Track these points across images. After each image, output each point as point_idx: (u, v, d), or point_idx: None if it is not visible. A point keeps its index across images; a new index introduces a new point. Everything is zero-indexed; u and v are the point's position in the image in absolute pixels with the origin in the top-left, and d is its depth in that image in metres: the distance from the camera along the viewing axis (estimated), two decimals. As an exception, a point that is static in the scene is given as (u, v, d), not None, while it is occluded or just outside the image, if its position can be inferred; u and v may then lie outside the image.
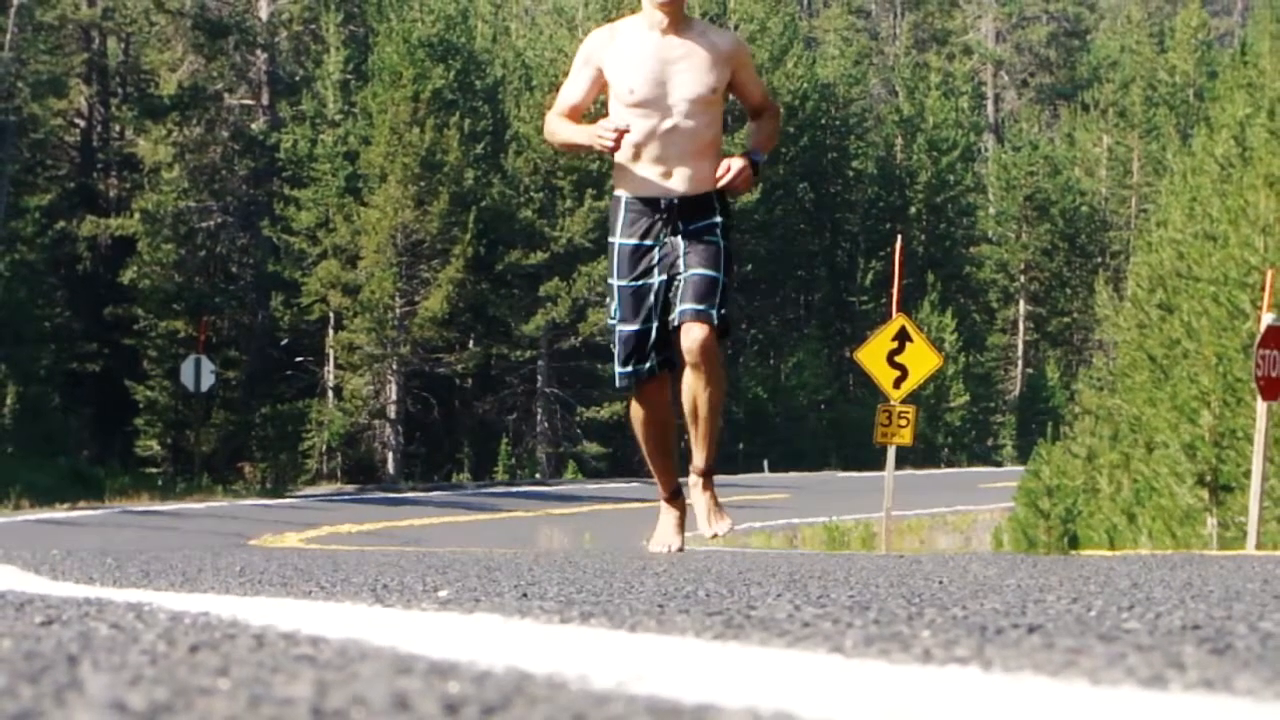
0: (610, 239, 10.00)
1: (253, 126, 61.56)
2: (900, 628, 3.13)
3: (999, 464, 69.34)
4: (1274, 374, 18.90)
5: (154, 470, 56.56)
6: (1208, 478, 25.64)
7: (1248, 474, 21.20)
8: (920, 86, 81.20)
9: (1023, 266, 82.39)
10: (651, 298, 9.82)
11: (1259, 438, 19.06)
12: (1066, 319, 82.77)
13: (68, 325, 59.17)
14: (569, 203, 62.74)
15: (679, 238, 9.77)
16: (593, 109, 10.36)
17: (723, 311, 9.81)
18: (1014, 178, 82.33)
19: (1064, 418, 54.25)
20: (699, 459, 10.18)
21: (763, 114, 10.20)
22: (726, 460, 58.55)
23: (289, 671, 2.28)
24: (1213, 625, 3.25)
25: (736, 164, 9.75)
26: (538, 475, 61.48)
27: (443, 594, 4.42)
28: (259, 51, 61.81)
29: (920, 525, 37.08)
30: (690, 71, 9.81)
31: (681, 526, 10.31)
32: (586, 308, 62.06)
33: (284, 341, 60.71)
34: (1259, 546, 19.02)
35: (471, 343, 61.90)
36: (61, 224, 59.28)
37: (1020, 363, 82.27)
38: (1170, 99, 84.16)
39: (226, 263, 61.26)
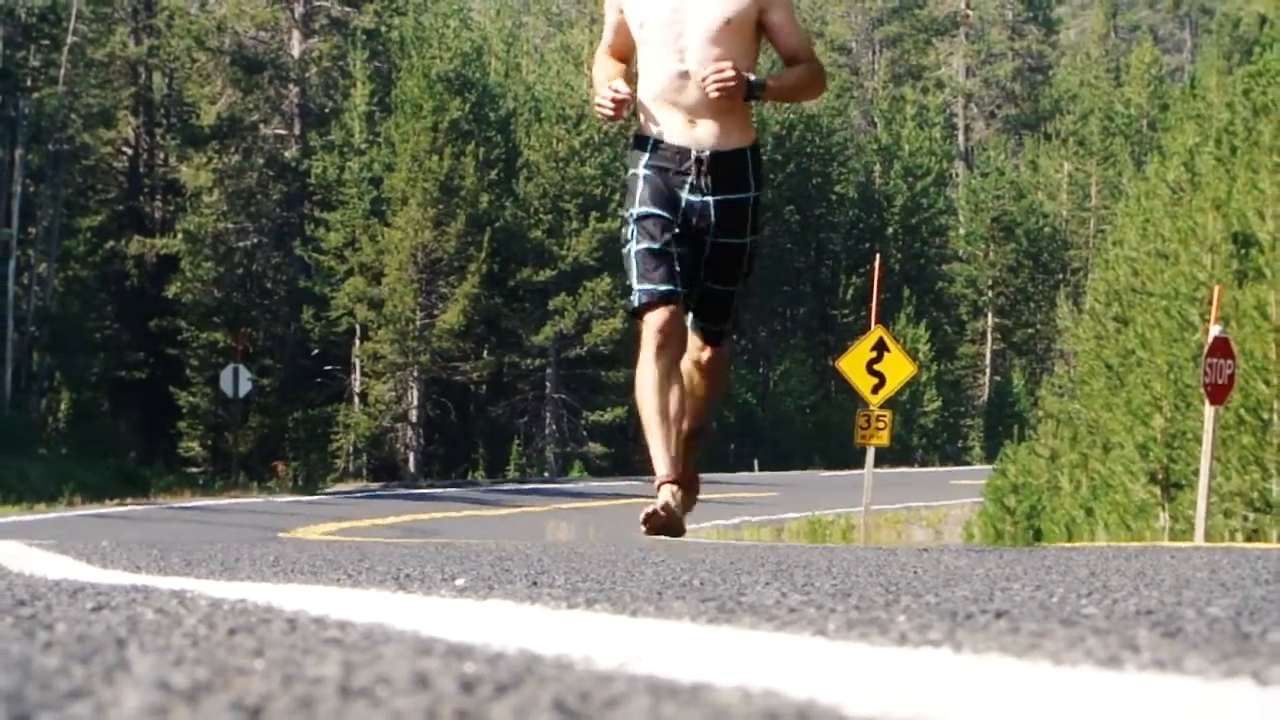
0: (630, 171, 8.24)
1: (285, 154, 61.56)
2: (878, 613, 3.13)
3: (968, 463, 69.27)
4: (1220, 381, 18.90)
5: (195, 469, 56.56)
6: (1160, 476, 25.61)
7: (1196, 472, 21.18)
8: (897, 118, 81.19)
9: (990, 282, 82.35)
10: (672, 225, 8.11)
11: (1206, 439, 19.06)
12: (1030, 330, 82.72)
13: (116, 336, 59.16)
14: (575, 224, 62.70)
15: (709, 207, 8.11)
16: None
17: (729, 326, 8.37)
18: (982, 201, 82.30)
19: (1028, 421, 54.20)
20: (690, 413, 8.39)
21: (797, 62, 8.32)
22: (719, 460, 58.50)
23: (318, 653, 2.28)
24: (1164, 610, 3.25)
25: (727, 66, 7.98)
26: (546, 474, 61.44)
27: (459, 582, 4.42)
28: (291, 85, 61.81)
29: (897, 519, 37.04)
30: (707, 2, 8.06)
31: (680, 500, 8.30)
32: (591, 320, 62.03)
33: (314, 351, 60.68)
34: (1206, 539, 19.01)
35: (486, 352, 61.85)
36: (111, 243, 59.30)
37: (988, 370, 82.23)
38: (1125, 129, 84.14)
39: (262, 279, 61.25)
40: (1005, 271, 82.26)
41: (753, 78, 8.02)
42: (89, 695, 1.82)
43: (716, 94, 7.95)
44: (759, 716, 1.70)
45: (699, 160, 8.08)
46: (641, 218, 8.12)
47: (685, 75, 8.06)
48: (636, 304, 8.09)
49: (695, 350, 8.37)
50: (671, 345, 8.09)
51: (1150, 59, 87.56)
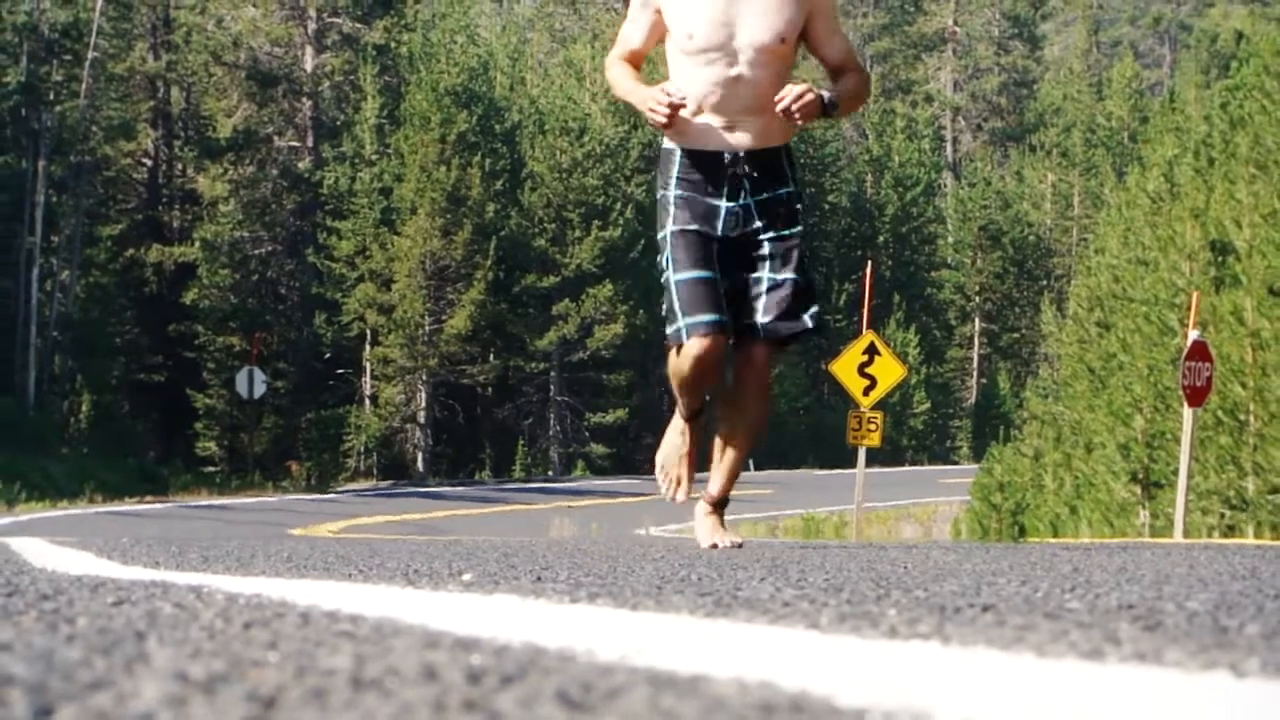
0: (661, 192, 7.68)
1: (299, 165, 61.56)
2: (869, 607, 3.13)
3: (956, 463, 69.28)
4: (1199, 383, 18.90)
5: (212, 469, 56.56)
6: (1140, 475, 25.62)
7: (1175, 471, 21.19)
8: (887, 130, 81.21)
9: (977, 289, 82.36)
10: (711, 245, 7.54)
11: (1185, 439, 19.06)
12: (1016, 335, 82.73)
13: (136, 340, 59.18)
14: (578, 232, 62.70)
15: (751, 209, 7.58)
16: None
17: (817, 308, 7.71)
18: (970, 211, 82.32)
19: (1013, 422, 54.20)
20: (716, 486, 8.03)
21: (843, 73, 7.79)
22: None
23: (331, 645, 2.28)
24: (1145, 605, 3.25)
25: (799, 88, 7.46)
26: (550, 473, 61.44)
27: (466, 577, 4.42)
28: (305, 99, 61.82)
29: (887, 517, 37.03)
30: (759, 15, 7.54)
31: (691, 460, 8.28)
32: (594, 325, 62.04)
33: (327, 355, 60.68)
34: (1185, 536, 19.01)
35: (492, 356, 61.86)
36: (131, 251, 59.32)
37: (975, 373, 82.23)
38: (1107, 141, 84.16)
39: (276, 285, 61.26)
40: (992, 278, 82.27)
41: (827, 96, 7.56)
42: (110, 686, 1.82)
43: (799, 120, 7.44)
44: (755, 706, 1.70)
45: (734, 161, 7.56)
46: (678, 234, 7.56)
47: (735, 81, 7.53)
48: (685, 339, 7.49)
49: (752, 361, 7.70)
50: (710, 377, 7.63)
51: (1131, 74, 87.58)
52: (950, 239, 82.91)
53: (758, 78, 7.52)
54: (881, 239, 77.40)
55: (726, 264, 7.57)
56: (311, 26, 61.51)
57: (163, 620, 2.72)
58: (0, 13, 53.60)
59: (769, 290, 7.58)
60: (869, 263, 27.99)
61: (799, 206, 7.70)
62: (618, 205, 63.27)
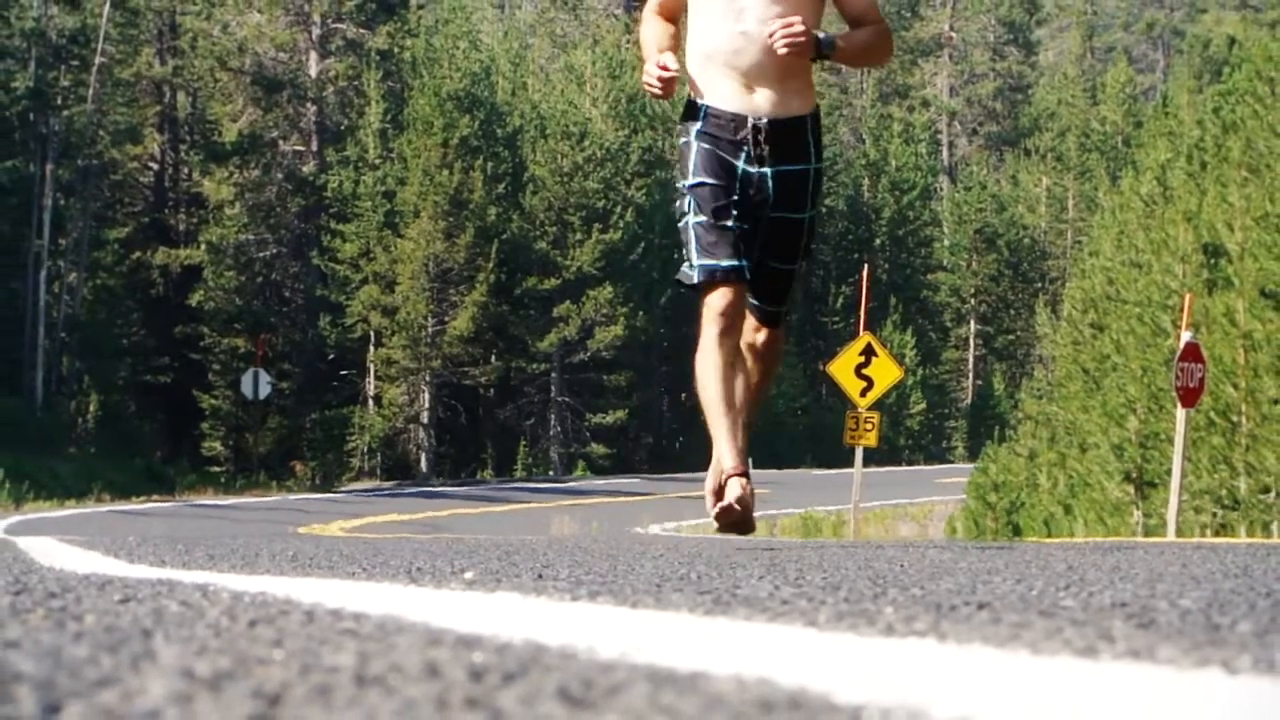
0: (684, 139, 7.33)
1: (303, 169, 61.57)
2: (867, 605, 3.13)
3: (952, 462, 69.27)
4: (1192, 384, 18.90)
5: (217, 469, 56.56)
6: (1134, 475, 25.62)
7: (1169, 472, 21.19)
8: (884, 134, 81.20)
9: (973, 291, 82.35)
10: (730, 194, 7.22)
11: (1178, 440, 19.06)
12: (1011, 336, 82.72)
13: (143, 342, 59.18)
14: (579, 236, 62.70)
15: (767, 179, 7.22)
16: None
17: (786, 309, 7.52)
18: (965, 214, 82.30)
19: (1008, 422, 54.20)
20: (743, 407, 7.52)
21: (862, 24, 7.40)
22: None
23: (335, 643, 2.28)
24: (1138, 603, 3.25)
25: (794, 22, 7.08)
26: (551, 472, 61.44)
27: (468, 575, 4.42)
28: (309, 104, 61.82)
29: (884, 515, 37.02)
30: None
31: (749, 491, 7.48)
32: (594, 327, 62.05)
33: (331, 356, 60.68)
34: (1178, 535, 19.01)
35: (494, 357, 61.86)
36: (137, 254, 59.32)
37: (971, 374, 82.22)
38: (1101, 145, 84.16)
39: (281, 288, 61.25)
40: (987, 280, 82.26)
41: (822, 35, 7.15)
42: (117, 683, 1.82)
43: (785, 50, 7.06)
44: (753, 703, 1.70)
45: (755, 129, 7.20)
46: (696, 186, 7.22)
47: (744, 35, 7.15)
48: (697, 279, 7.15)
49: (750, 333, 7.48)
50: (734, 329, 7.24)
51: (1125, 79, 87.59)
52: (946, 242, 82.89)
53: (768, 34, 7.12)
54: (878, 242, 77.39)
55: (742, 212, 7.26)
56: (316, 32, 61.51)
57: (169, 618, 2.72)
58: (9, 18, 53.62)
59: (765, 275, 7.34)
60: (866, 265, 28.00)
61: (817, 185, 7.37)
62: (618, 209, 63.28)
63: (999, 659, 2.13)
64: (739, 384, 7.33)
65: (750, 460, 7.66)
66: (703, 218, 7.19)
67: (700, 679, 1.86)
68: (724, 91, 7.22)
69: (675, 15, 7.45)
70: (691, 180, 7.25)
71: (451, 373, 59.88)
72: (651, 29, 7.42)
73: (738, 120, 7.22)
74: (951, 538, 26.64)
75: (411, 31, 62.58)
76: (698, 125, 7.26)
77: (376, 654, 2.12)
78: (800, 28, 7.07)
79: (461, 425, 61.84)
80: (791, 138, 7.25)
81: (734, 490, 7.27)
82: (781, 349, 7.71)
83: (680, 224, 7.33)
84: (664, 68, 7.13)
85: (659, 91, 7.12)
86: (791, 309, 7.43)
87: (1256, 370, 23.22)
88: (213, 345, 58.53)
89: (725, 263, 7.15)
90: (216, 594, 3.38)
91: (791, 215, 7.31)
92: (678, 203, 7.36)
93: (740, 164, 7.23)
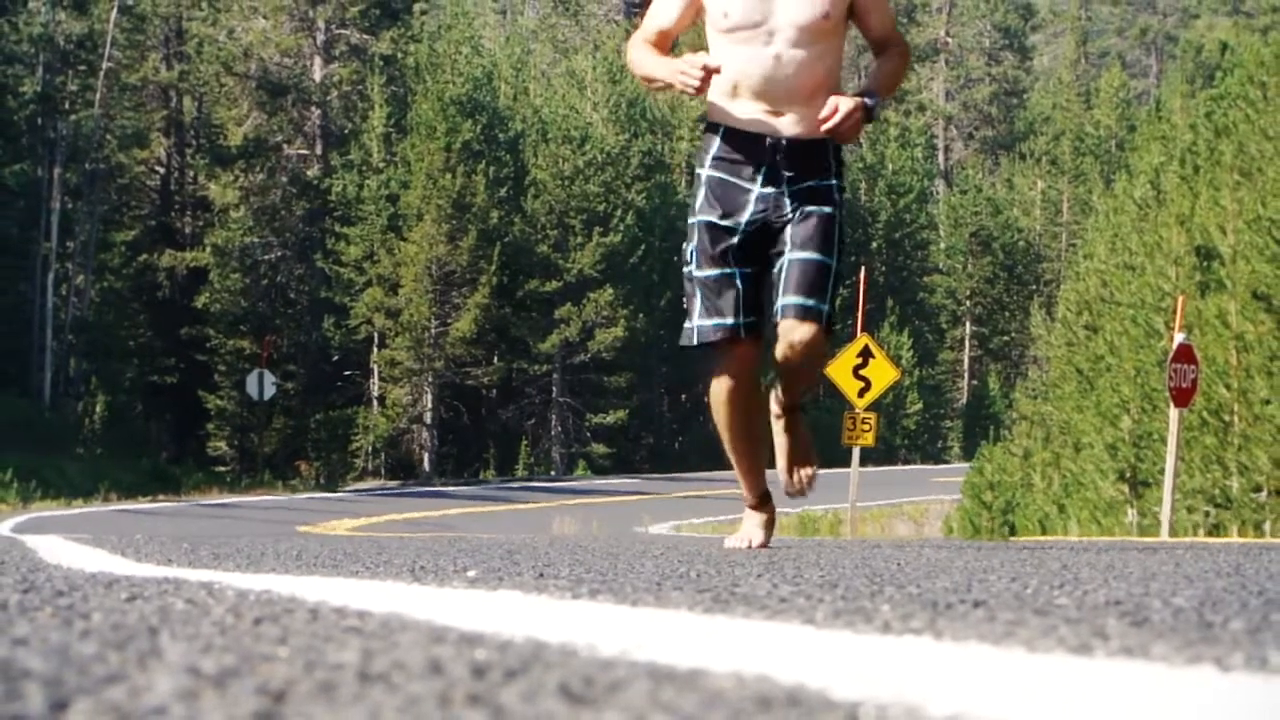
0: (698, 170, 7.17)
1: (308, 173, 61.57)
2: (864, 603, 3.13)
3: (948, 462, 69.27)
4: (1184, 385, 18.90)
5: (223, 468, 56.57)
6: (1127, 474, 25.62)
7: (1162, 471, 21.19)
8: (881, 139, 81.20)
9: (969, 293, 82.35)
10: (735, 235, 7.05)
11: (1171, 440, 19.06)
12: (1006, 338, 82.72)
13: (149, 343, 59.19)
14: (580, 238, 62.71)
15: (784, 196, 7.03)
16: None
17: (830, 308, 7.05)
18: (961, 217, 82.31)
19: (1003, 422, 54.22)
20: (786, 394, 7.35)
21: (886, 50, 7.33)
22: (715, 457, 58.45)
23: (339, 641, 2.28)
24: (1132, 601, 3.25)
25: (845, 104, 6.92)
26: (553, 472, 61.44)
27: (471, 574, 4.42)
28: (313, 108, 61.82)
29: (881, 515, 37.01)
30: None
31: (770, 527, 7.59)
32: (595, 328, 62.05)
33: (335, 357, 60.69)
34: (1171, 534, 19.01)
35: (496, 358, 61.86)
36: (144, 256, 59.33)
37: (966, 375, 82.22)
38: (1095, 149, 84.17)
39: (285, 290, 61.25)
40: (982, 283, 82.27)
41: (869, 102, 7.01)
42: (124, 680, 1.82)
43: (848, 140, 7.01)
44: (752, 700, 1.70)
45: (775, 148, 7.01)
46: (704, 226, 7.06)
47: (774, 61, 6.99)
48: (696, 341, 7.05)
49: (789, 333, 7.05)
50: (742, 385, 7.14)
51: (1118, 83, 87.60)
52: (942, 245, 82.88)
53: (800, 58, 7.01)
54: (875, 245, 77.38)
55: (755, 251, 7.07)
56: (320, 37, 61.51)
57: (175, 616, 2.72)
58: (17, 24, 53.62)
59: (791, 267, 7.01)
60: (863, 268, 28.00)
61: (840, 197, 7.17)
62: (618, 212, 63.27)
63: (994, 656, 2.13)
64: (759, 420, 7.29)
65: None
66: (705, 272, 7.05)
67: (700, 676, 1.86)
68: (747, 113, 7.06)
69: (666, 47, 7.28)
70: (697, 216, 7.11)
71: (454, 374, 59.88)
72: (645, 50, 7.22)
73: (756, 141, 7.04)
74: (947, 537, 26.65)
75: (415, 37, 62.59)
76: (713, 151, 7.11)
77: (380, 651, 2.12)
78: (849, 108, 6.94)
79: (464, 425, 61.84)
80: (812, 157, 7.08)
81: (748, 529, 7.50)
82: (821, 353, 7.20)
83: (684, 269, 7.20)
84: (704, 65, 6.88)
85: (697, 84, 6.87)
86: (835, 314, 7.01)
87: (1248, 371, 23.22)
88: (218, 346, 58.53)
89: (729, 320, 7.04)
90: (222, 592, 3.38)
91: (817, 209, 7.07)
92: (685, 244, 7.19)
93: (755, 188, 7.04)
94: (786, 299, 7.00)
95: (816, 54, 7.05)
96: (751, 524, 7.52)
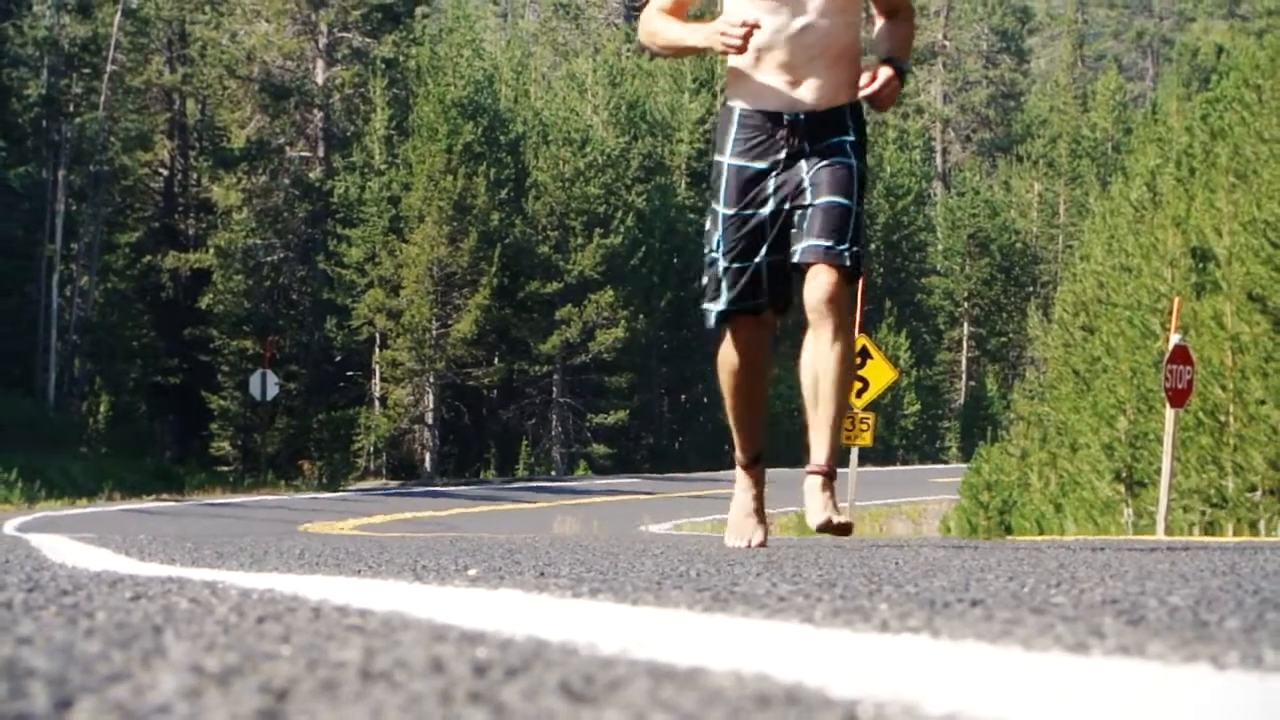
0: (717, 157, 7.10)
1: (310, 175, 61.58)
2: (862, 602, 3.13)
3: (946, 462, 69.25)
4: (1180, 386, 18.90)
5: (226, 468, 56.57)
6: (1124, 474, 25.61)
7: (1158, 471, 21.19)
8: (879, 141, 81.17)
9: (966, 294, 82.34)
10: (761, 229, 7.02)
11: (1167, 439, 19.06)
12: (1003, 339, 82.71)
13: (153, 344, 59.19)
14: (580, 240, 62.72)
15: (802, 161, 6.96)
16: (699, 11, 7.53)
17: (856, 249, 6.96)
18: (959, 219, 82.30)
19: (1001, 423, 54.21)
20: (820, 453, 7.17)
21: (897, 14, 7.26)
22: (713, 457, 58.43)
23: (341, 639, 2.28)
24: (1128, 600, 3.25)
25: (884, 73, 6.93)
26: (553, 472, 61.43)
27: (472, 573, 4.41)
28: (316, 111, 61.82)
29: (879, 514, 37.00)
30: None
31: (761, 510, 7.50)
32: (595, 329, 62.05)
33: (337, 358, 60.69)
34: (1167, 533, 19.01)
35: (497, 359, 61.87)
36: (148, 258, 59.33)
37: (964, 376, 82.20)
38: (1092, 152, 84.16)
39: (288, 291, 61.26)
40: (980, 284, 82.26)
41: (901, 65, 7.05)
42: (128, 678, 1.82)
43: (885, 105, 6.97)
44: (751, 698, 1.70)
45: (792, 125, 6.96)
46: (728, 219, 7.03)
47: (803, 30, 6.92)
48: (714, 322, 7.13)
49: (816, 290, 6.97)
50: (754, 356, 7.27)
51: (1115, 86, 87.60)
52: (940, 246, 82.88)
53: (826, 27, 6.95)
54: (873, 247, 77.35)
55: (777, 240, 7.05)
56: (323, 41, 61.51)
57: (179, 615, 2.72)
58: (22, 27, 53.62)
59: (813, 212, 6.93)
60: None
61: (860, 150, 7.08)
62: (619, 214, 63.27)
63: (991, 654, 2.13)
64: (763, 387, 7.41)
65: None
66: (727, 262, 7.05)
67: (699, 674, 1.86)
68: (767, 89, 6.99)
69: (682, 16, 7.20)
70: (722, 209, 7.07)
71: (455, 374, 59.88)
72: (666, 24, 7.13)
73: (774, 118, 6.98)
74: (945, 536, 26.64)
75: (416, 40, 62.60)
76: (733, 133, 7.04)
77: (382, 650, 2.12)
78: (888, 73, 6.96)
79: (465, 426, 61.84)
80: (829, 125, 7.01)
81: (751, 530, 7.43)
82: (846, 306, 7.10)
83: (705, 253, 7.16)
84: (744, 22, 6.77)
85: (737, 44, 6.77)
86: (862, 260, 6.82)
87: (1244, 372, 23.22)
88: (221, 347, 58.54)
89: (748, 301, 7.11)
90: (225, 591, 3.38)
91: (838, 160, 6.99)
92: (708, 229, 7.14)
93: (773, 167, 7.00)
94: (810, 241, 6.92)
95: (843, 23, 6.99)
96: (743, 512, 7.47)
